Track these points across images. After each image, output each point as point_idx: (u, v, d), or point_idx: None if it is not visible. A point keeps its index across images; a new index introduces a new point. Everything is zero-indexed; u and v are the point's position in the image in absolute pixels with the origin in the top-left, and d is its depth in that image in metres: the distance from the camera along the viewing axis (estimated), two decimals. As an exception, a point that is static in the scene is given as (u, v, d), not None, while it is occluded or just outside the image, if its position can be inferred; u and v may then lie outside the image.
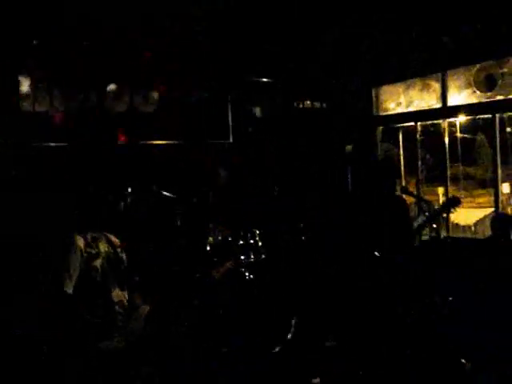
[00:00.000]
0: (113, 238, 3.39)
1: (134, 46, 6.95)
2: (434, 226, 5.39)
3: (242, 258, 5.97)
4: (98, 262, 3.11)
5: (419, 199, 5.74)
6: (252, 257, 6.01)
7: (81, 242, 3.09)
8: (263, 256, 6.06)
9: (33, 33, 6.36)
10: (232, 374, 4.77)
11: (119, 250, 3.38)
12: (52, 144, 6.71)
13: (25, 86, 6.59)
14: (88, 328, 3.05)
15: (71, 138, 6.79)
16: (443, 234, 7.06)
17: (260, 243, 6.10)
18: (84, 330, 3.05)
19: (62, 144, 6.73)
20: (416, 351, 4.84)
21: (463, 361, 4.33)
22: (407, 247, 5.28)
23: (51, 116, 6.75)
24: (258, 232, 6.11)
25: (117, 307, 3.17)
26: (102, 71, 6.97)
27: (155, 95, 7.33)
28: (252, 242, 6.06)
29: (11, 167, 6.27)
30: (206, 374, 4.53)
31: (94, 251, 3.13)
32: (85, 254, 3.09)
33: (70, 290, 2.97)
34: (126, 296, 3.29)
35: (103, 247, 3.24)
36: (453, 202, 5.43)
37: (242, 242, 6.03)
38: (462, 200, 5.42)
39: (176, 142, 7.41)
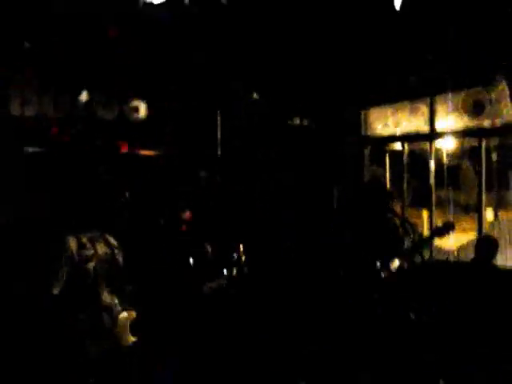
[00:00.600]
0: (111, 240, 3.38)
1: (125, 56, 6.95)
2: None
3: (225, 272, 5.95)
4: (91, 265, 3.08)
5: (404, 221, 5.73)
6: (235, 272, 5.98)
7: (73, 245, 3.06)
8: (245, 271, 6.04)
9: (24, 35, 6.35)
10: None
11: (116, 251, 3.37)
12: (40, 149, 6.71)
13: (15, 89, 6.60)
14: (73, 331, 3.02)
15: (57, 143, 6.78)
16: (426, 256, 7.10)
17: (243, 258, 6.08)
18: (69, 333, 3.01)
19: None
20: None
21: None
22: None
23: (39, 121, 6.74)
24: (241, 246, 6.09)
25: (104, 313, 3.14)
26: (90, 78, 7.00)
27: (143, 105, 7.35)
28: (235, 256, 6.03)
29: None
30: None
31: (88, 252, 3.10)
32: (77, 257, 3.05)
33: (56, 291, 2.94)
34: (116, 300, 3.26)
35: (100, 248, 3.22)
36: (447, 228, 5.41)
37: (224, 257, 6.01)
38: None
39: (163, 152, 7.43)
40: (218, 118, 7.83)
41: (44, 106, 6.81)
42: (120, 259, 3.38)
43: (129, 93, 7.25)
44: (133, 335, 3.26)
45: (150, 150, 7.38)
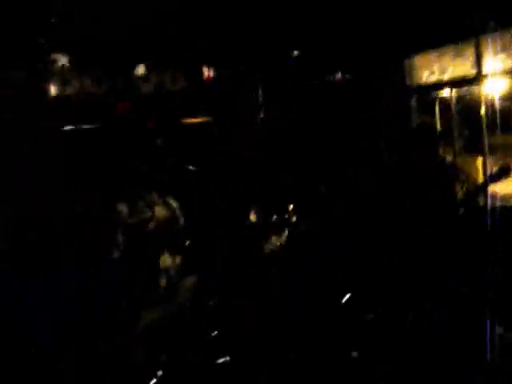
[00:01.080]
0: (172, 202, 3.39)
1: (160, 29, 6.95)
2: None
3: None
4: (148, 227, 3.09)
5: (456, 168, 5.56)
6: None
7: (125, 210, 3.07)
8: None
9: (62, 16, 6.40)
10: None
11: (177, 214, 3.37)
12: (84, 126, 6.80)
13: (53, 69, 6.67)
14: (131, 293, 3.04)
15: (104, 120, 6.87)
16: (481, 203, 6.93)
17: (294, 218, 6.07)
18: (127, 296, 3.03)
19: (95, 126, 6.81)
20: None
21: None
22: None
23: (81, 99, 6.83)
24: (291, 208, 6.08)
25: (162, 275, 3.14)
26: (129, 53, 7.03)
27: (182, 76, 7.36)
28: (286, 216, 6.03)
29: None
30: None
31: (145, 216, 3.10)
32: (130, 220, 3.07)
33: (115, 255, 2.96)
34: (176, 262, 3.25)
35: (159, 211, 3.22)
36: (503, 172, 5.20)
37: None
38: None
39: (206, 119, 7.44)
40: (259, 82, 7.78)
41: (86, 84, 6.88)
42: (181, 221, 3.38)
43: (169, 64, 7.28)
44: (194, 299, 3.26)
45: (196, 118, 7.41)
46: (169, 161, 3.82)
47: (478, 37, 7.12)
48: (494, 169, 5.87)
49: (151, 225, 3.11)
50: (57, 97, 6.64)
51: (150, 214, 3.15)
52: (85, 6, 6.23)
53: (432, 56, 7.84)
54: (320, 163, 7.45)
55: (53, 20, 6.20)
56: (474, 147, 8.04)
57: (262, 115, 7.71)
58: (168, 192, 3.35)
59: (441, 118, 8.09)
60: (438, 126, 8.06)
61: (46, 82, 6.51)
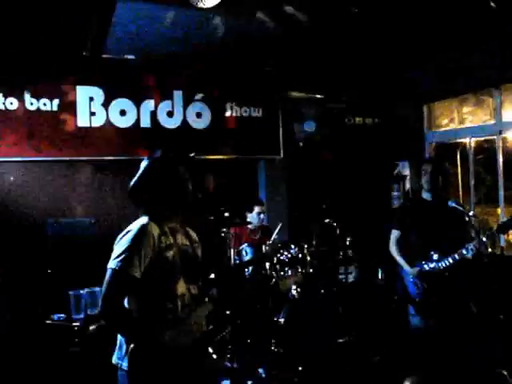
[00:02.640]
0: (192, 233, 3.46)
1: (186, 62, 7.15)
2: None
3: (290, 271, 6.01)
4: (170, 253, 3.16)
5: (466, 215, 5.56)
6: (300, 270, 6.02)
7: (156, 231, 3.14)
8: (311, 270, 6.08)
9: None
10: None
11: (196, 245, 3.44)
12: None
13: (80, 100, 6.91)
14: (151, 316, 3.10)
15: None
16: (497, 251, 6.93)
17: (308, 258, 6.11)
18: (147, 316, 3.09)
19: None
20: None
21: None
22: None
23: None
24: (305, 246, 6.12)
25: (179, 300, 3.20)
26: (155, 88, 7.24)
27: (208, 112, 7.54)
28: (300, 255, 6.07)
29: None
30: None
31: (168, 242, 3.18)
32: (159, 244, 3.14)
33: (137, 275, 3.02)
34: (193, 291, 3.31)
35: (180, 239, 3.30)
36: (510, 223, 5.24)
37: (289, 256, 6.06)
38: None
39: (228, 157, 7.60)
40: (280, 121, 7.92)
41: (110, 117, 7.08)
42: (199, 252, 3.46)
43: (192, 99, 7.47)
44: (207, 326, 3.32)
45: (214, 155, 7.54)
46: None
47: (498, 86, 7.20)
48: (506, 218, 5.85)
49: (173, 252, 3.19)
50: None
51: (172, 240, 3.24)
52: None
53: (452, 104, 7.93)
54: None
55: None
56: (493, 197, 8.04)
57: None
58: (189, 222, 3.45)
59: (461, 167, 8.12)
60: (459, 175, 8.08)
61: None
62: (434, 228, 5.36)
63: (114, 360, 3.14)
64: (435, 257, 5.26)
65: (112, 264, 3.00)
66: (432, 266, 5.28)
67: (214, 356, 3.41)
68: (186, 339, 3.13)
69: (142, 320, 3.07)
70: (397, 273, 5.65)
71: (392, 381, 5.15)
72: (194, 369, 3.13)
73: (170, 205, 3.27)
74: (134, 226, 3.11)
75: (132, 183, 3.29)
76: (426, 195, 5.56)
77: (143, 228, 3.08)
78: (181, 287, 3.20)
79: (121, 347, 3.11)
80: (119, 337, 3.13)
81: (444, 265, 5.18)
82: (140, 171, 3.28)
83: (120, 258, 2.99)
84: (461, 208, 5.37)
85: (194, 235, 3.45)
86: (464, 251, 5.05)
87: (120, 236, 3.11)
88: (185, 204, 3.34)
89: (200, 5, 5.20)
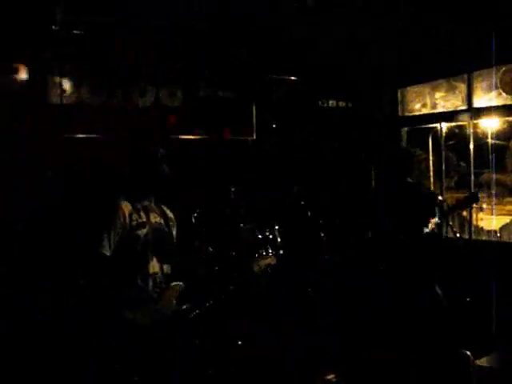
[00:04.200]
0: (167, 211, 3.45)
1: (160, 43, 7.08)
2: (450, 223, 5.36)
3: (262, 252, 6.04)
4: (142, 231, 3.14)
5: (433, 195, 5.66)
6: (270, 251, 6.05)
7: (127, 209, 3.12)
8: (281, 252, 6.11)
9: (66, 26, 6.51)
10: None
11: (171, 223, 3.42)
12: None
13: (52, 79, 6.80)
14: (120, 295, 3.09)
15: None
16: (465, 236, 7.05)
17: (279, 238, 6.14)
18: (115, 297, 3.08)
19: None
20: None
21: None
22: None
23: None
24: (277, 227, 6.15)
25: (150, 279, 3.19)
26: (128, 67, 7.16)
27: (180, 92, 7.49)
28: (271, 236, 6.10)
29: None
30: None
31: (140, 220, 3.16)
32: (130, 222, 3.11)
33: (107, 253, 3.00)
34: (165, 270, 3.30)
35: (154, 217, 3.27)
36: (470, 199, 5.39)
37: (260, 237, 6.09)
38: (480, 197, 5.36)
39: (200, 137, 7.56)
40: (254, 103, 7.90)
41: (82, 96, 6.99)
42: (174, 231, 3.44)
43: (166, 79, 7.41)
44: (178, 305, 3.32)
45: (184, 135, 7.51)
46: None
47: (470, 73, 7.25)
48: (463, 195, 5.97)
49: (146, 230, 3.17)
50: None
51: (145, 218, 3.21)
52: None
53: (425, 89, 7.97)
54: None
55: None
56: (464, 183, 8.13)
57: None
58: (163, 200, 3.42)
59: (432, 151, 8.19)
60: (431, 160, 8.15)
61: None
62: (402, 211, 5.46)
63: None
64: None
65: None
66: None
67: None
68: (156, 317, 3.13)
69: (112, 296, 3.06)
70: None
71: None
72: (157, 346, 3.14)
73: (144, 184, 3.26)
74: (107, 204, 3.10)
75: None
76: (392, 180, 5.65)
77: (113, 206, 3.07)
78: (153, 266, 3.20)
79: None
80: None
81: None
82: None
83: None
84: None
85: (170, 214, 3.43)
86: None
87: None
88: (159, 184, 3.32)
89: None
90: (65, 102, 6.80)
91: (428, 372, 4.37)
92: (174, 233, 3.46)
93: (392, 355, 5.03)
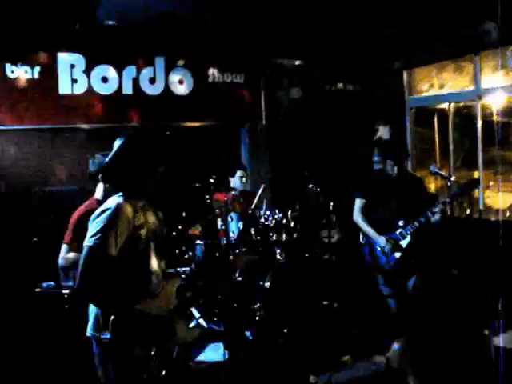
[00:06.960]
0: (158, 212, 3.50)
1: (168, 29, 7.09)
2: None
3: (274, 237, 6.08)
4: (143, 231, 3.20)
5: (448, 179, 5.69)
6: (284, 236, 6.10)
7: (130, 210, 3.17)
8: (294, 235, 6.15)
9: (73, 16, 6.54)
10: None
11: (162, 223, 3.49)
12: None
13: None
14: (127, 288, 3.15)
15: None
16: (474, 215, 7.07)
17: (292, 223, 6.18)
18: (123, 290, 3.14)
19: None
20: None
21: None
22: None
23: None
24: (289, 211, 6.19)
25: (153, 276, 3.27)
26: (136, 54, 7.19)
27: (190, 78, 7.53)
28: (284, 221, 6.14)
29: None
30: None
31: (141, 221, 3.21)
32: (134, 222, 3.17)
33: (114, 253, 3.06)
34: (163, 266, 3.40)
35: (150, 217, 3.33)
36: (471, 184, 5.48)
37: (274, 222, 6.12)
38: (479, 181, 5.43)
39: (208, 123, 7.60)
40: (262, 88, 7.92)
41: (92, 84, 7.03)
42: (164, 230, 3.51)
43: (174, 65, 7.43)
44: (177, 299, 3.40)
45: (196, 122, 7.55)
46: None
47: (477, 53, 7.25)
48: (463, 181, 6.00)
49: (145, 230, 3.24)
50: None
51: (144, 218, 3.27)
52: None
53: (432, 70, 7.98)
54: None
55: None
56: (472, 161, 8.17)
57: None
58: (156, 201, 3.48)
59: (438, 131, 8.22)
60: (437, 140, 8.17)
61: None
62: (399, 197, 5.53)
63: (90, 333, 3.20)
64: (401, 223, 5.44)
65: (88, 242, 3.03)
66: (398, 232, 5.47)
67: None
68: (157, 312, 3.22)
69: (120, 293, 3.12)
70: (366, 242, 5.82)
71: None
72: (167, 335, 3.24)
73: (144, 182, 3.29)
74: (110, 205, 3.13)
75: (107, 161, 3.29)
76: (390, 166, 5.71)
77: (119, 207, 3.11)
78: (154, 264, 3.28)
79: (97, 320, 3.16)
80: (94, 310, 3.18)
81: (411, 229, 5.36)
82: (115, 149, 3.25)
83: (97, 237, 3.01)
84: (442, 173, 5.54)
85: (160, 213, 3.48)
86: (429, 214, 5.24)
87: (95, 214, 3.14)
88: (152, 180, 3.36)
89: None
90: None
91: (450, 352, 4.45)
92: (165, 231, 3.54)
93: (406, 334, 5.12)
